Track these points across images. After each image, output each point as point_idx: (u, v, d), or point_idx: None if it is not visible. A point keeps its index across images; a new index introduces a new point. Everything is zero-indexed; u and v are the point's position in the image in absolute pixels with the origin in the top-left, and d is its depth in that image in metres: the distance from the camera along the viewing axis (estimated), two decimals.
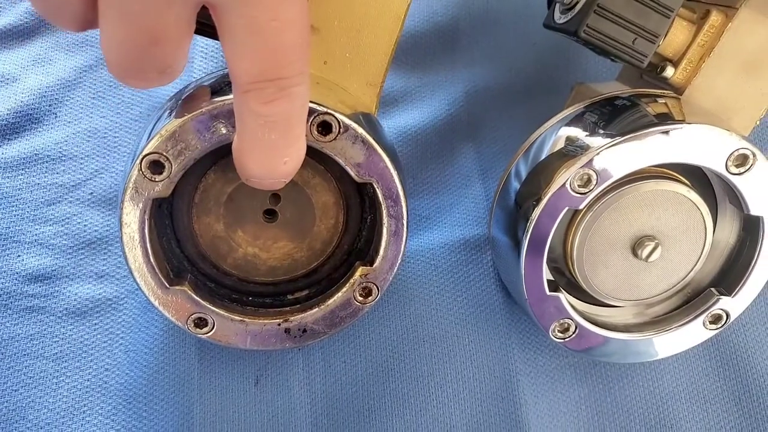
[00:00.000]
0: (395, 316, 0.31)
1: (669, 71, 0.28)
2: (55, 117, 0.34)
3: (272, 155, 0.21)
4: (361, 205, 0.28)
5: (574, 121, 0.28)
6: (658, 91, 0.28)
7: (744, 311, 0.33)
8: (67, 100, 0.34)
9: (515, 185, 0.28)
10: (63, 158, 0.33)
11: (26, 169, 0.32)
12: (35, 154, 0.33)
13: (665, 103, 0.28)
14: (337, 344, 0.31)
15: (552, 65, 0.36)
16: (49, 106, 0.34)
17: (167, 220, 0.27)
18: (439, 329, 0.31)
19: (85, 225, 0.32)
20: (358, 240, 0.29)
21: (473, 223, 0.33)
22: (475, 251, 0.32)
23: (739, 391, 0.32)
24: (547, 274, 0.29)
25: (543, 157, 0.28)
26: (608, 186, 0.26)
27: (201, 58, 0.34)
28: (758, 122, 0.29)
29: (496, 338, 0.31)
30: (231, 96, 0.23)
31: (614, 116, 0.27)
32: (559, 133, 0.28)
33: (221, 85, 0.25)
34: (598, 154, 0.25)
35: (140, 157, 0.23)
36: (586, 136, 0.27)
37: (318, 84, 0.26)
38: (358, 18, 0.26)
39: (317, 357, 0.31)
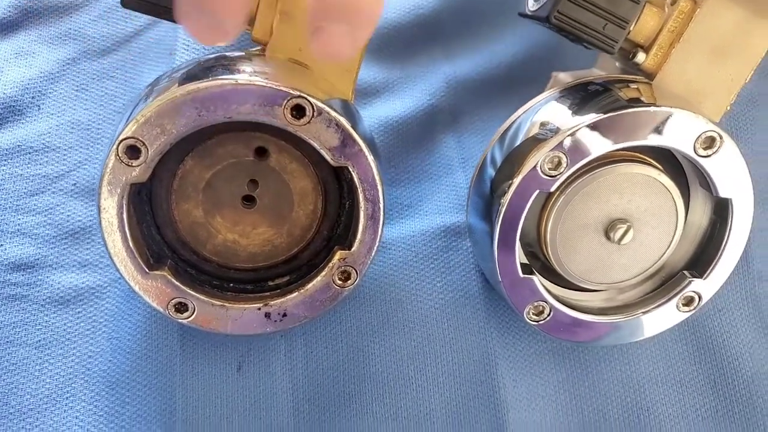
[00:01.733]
0: (376, 302, 0.32)
1: (640, 57, 0.28)
2: (39, 109, 0.34)
3: None
4: (339, 191, 0.28)
5: (548, 106, 0.29)
6: (630, 77, 0.29)
7: (719, 297, 0.33)
8: (50, 93, 0.34)
9: (490, 172, 0.29)
10: (46, 150, 0.33)
11: (9, 160, 0.33)
12: (18, 145, 0.33)
13: (637, 88, 0.28)
14: (318, 330, 0.31)
15: (531, 56, 0.37)
16: (32, 98, 0.34)
17: (147, 206, 0.27)
18: (419, 314, 0.31)
19: (68, 215, 0.32)
20: (338, 226, 0.29)
21: (454, 210, 0.34)
22: (455, 238, 0.33)
23: (714, 374, 0.33)
24: (522, 258, 0.29)
25: (518, 143, 0.28)
26: (580, 169, 0.27)
27: (183, 50, 0.34)
28: (729, 107, 0.29)
29: (475, 323, 0.31)
30: (204, 82, 0.24)
31: (586, 101, 0.28)
32: (533, 119, 0.29)
33: (196, 72, 0.25)
34: (567, 136, 0.25)
35: (117, 142, 0.24)
36: (558, 119, 0.27)
37: (293, 69, 0.26)
38: None
39: (299, 343, 0.31)
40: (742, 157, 0.27)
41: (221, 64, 0.26)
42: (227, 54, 0.28)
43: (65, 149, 0.33)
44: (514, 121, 0.29)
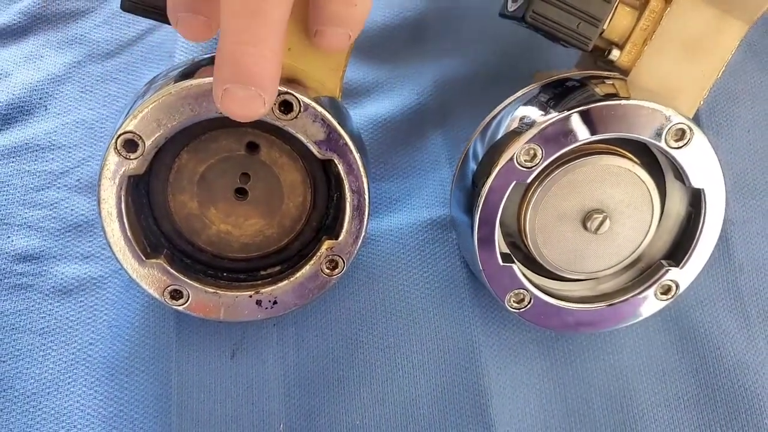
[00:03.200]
0: (364, 292, 0.33)
1: (615, 54, 0.29)
2: (45, 109, 0.36)
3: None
4: (327, 183, 0.30)
5: (528, 101, 0.30)
6: (606, 73, 0.30)
7: (701, 288, 0.34)
8: (56, 94, 0.36)
9: (472, 165, 0.30)
10: (52, 147, 0.35)
11: (17, 157, 0.34)
12: (26, 143, 0.35)
13: (612, 84, 0.29)
14: (309, 319, 0.33)
15: (516, 55, 0.38)
16: (40, 99, 0.36)
17: (145, 198, 0.29)
18: (406, 303, 0.33)
19: (72, 209, 0.34)
20: (326, 217, 0.30)
21: (440, 204, 0.35)
22: (441, 230, 0.34)
23: (696, 363, 0.33)
24: (503, 248, 0.30)
25: (498, 137, 0.30)
26: (556, 161, 0.28)
27: (182, 53, 0.36)
28: (702, 103, 0.30)
29: (460, 312, 0.33)
30: (196, 79, 0.25)
31: (563, 95, 0.29)
32: (513, 114, 0.30)
33: (190, 71, 0.27)
34: (542, 129, 0.27)
35: (115, 136, 0.25)
36: (536, 114, 0.28)
37: (282, 68, 0.27)
38: None
39: (290, 331, 0.32)
40: (712, 148, 0.28)
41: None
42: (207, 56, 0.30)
43: (70, 147, 0.35)
44: (494, 116, 0.31)
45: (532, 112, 0.29)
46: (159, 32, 0.38)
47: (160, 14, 0.27)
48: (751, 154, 0.37)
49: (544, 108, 0.29)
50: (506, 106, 0.31)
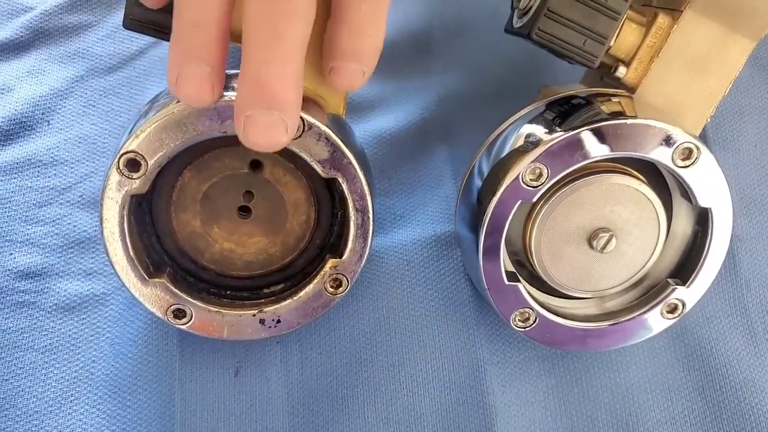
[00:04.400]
0: (369, 309, 0.33)
1: (621, 71, 0.29)
2: (48, 124, 0.36)
3: (365, 28, 0.24)
4: (331, 201, 0.30)
5: (534, 119, 0.30)
6: (612, 91, 0.30)
7: (708, 305, 0.34)
8: (59, 109, 0.36)
9: (477, 182, 0.30)
10: (54, 163, 0.35)
11: (19, 173, 0.34)
12: (28, 159, 0.35)
13: (619, 102, 0.29)
14: (313, 337, 0.32)
15: (521, 70, 0.38)
16: (42, 114, 0.36)
17: (147, 217, 0.29)
18: (410, 321, 0.32)
19: (74, 226, 0.34)
20: (330, 235, 0.30)
21: (445, 220, 0.35)
22: (446, 247, 0.34)
23: (702, 381, 0.33)
24: (508, 266, 0.30)
25: (503, 154, 0.29)
26: (562, 180, 0.28)
27: None
28: (708, 120, 0.30)
29: (465, 330, 0.32)
30: None
31: (569, 113, 0.29)
32: (519, 131, 0.30)
33: None
34: (548, 148, 0.26)
35: (118, 156, 0.25)
36: (542, 132, 0.28)
37: None
38: (319, 21, 0.27)
39: (294, 349, 0.32)
40: (720, 167, 0.28)
41: None
42: (229, 72, 0.29)
43: (72, 162, 0.35)
44: (500, 133, 0.30)
45: (538, 130, 0.29)
46: (161, 46, 0.37)
47: (163, 32, 0.27)
48: (758, 170, 0.37)
49: (550, 126, 0.29)
50: (512, 123, 0.30)
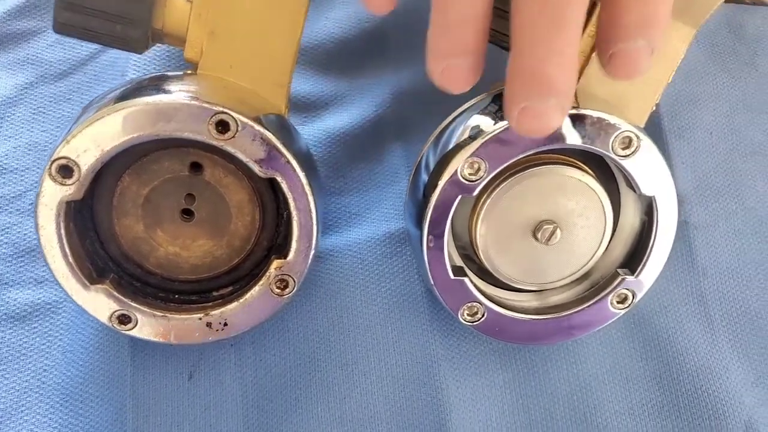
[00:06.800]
0: (322, 309, 0.32)
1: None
2: None
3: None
4: (275, 201, 0.29)
5: (482, 111, 0.30)
6: None
7: (665, 293, 0.34)
8: (8, 116, 0.36)
9: (424, 177, 0.30)
10: (4, 171, 0.35)
11: None
12: None
13: None
14: (267, 338, 0.32)
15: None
16: None
17: (89, 223, 0.28)
18: (364, 319, 0.32)
19: (24, 234, 0.34)
20: (277, 236, 0.30)
21: (399, 217, 0.35)
22: (400, 244, 0.34)
23: (660, 370, 0.33)
24: (457, 261, 0.30)
25: (449, 148, 0.29)
26: (504, 172, 0.28)
27: (134, 71, 0.35)
28: (654, 108, 0.30)
29: (419, 326, 0.32)
30: (130, 102, 0.25)
31: None
32: (466, 123, 0.29)
33: (128, 93, 0.26)
34: (484, 142, 0.26)
35: (50, 162, 0.25)
36: (488, 124, 0.28)
37: (221, 86, 0.27)
38: (258, 21, 0.27)
39: (248, 351, 0.32)
40: (661, 155, 0.28)
41: (153, 84, 0.27)
42: (167, 74, 0.29)
43: (22, 170, 0.35)
44: (446, 126, 0.30)
45: (483, 123, 0.29)
46: (112, 51, 0.37)
47: (95, 36, 0.26)
48: (714, 157, 0.37)
49: (494, 118, 0.28)
50: (458, 116, 0.30)
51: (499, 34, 0.28)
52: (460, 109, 0.31)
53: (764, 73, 0.38)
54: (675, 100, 0.37)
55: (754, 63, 0.38)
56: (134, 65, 0.36)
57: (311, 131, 0.36)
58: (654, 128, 0.37)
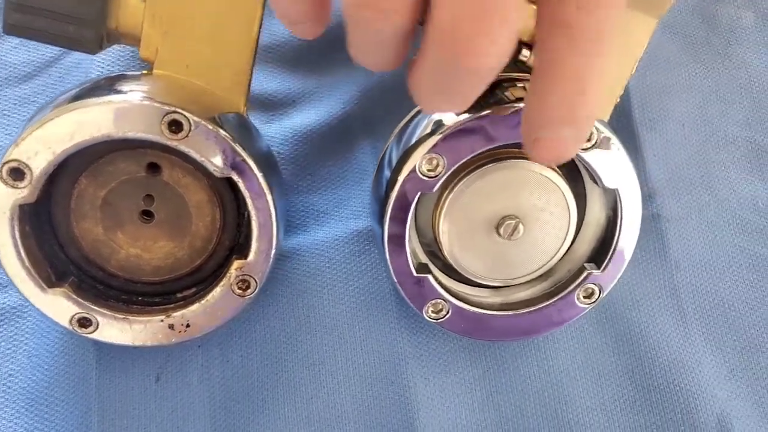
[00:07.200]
0: (289, 309, 0.32)
1: (525, 54, 0.28)
2: None
3: (578, 85, 0.19)
4: (236, 201, 0.29)
5: None
6: (518, 75, 0.29)
7: (637, 287, 0.33)
8: None
9: (387, 173, 0.29)
10: None
11: None
12: None
13: (523, 87, 0.29)
14: (234, 339, 0.32)
15: None
16: None
17: (47, 226, 0.28)
18: (331, 318, 0.32)
19: None
20: (239, 236, 0.30)
21: (367, 214, 0.34)
22: (368, 242, 0.33)
23: (632, 364, 0.33)
24: (421, 257, 0.30)
25: (412, 142, 0.29)
26: (466, 167, 0.27)
27: (97, 72, 0.35)
28: (618, 99, 0.29)
29: (386, 324, 0.32)
30: (80, 102, 0.25)
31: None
32: (430, 117, 0.29)
33: (81, 94, 0.26)
34: (442, 137, 0.26)
35: (0, 165, 0.25)
36: (447, 119, 0.28)
37: (176, 86, 0.27)
38: (213, 19, 0.27)
39: (215, 352, 0.32)
40: (623, 147, 0.27)
41: (108, 85, 0.27)
42: (126, 74, 0.29)
43: None
44: (409, 121, 0.30)
45: (446, 116, 0.28)
46: (77, 53, 0.37)
47: (47, 37, 0.26)
48: (686, 149, 0.36)
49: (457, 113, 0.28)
50: (419, 111, 0.30)
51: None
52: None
53: (737, 63, 0.38)
54: (646, 91, 0.37)
55: (727, 53, 0.38)
56: (98, 66, 0.35)
57: (278, 129, 0.36)
58: (625, 120, 0.37)
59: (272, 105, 0.37)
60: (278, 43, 0.37)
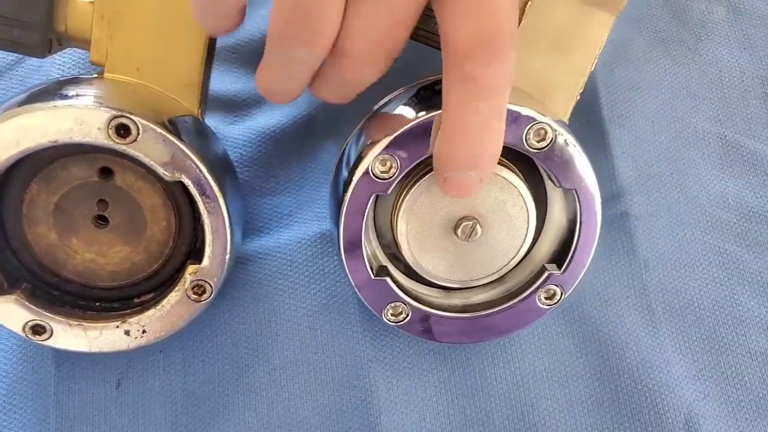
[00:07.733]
0: (250, 314, 0.32)
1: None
2: None
3: (481, 133, 0.23)
4: (191, 205, 0.29)
5: (405, 103, 0.29)
6: None
7: (606, 287, 0.33)
8: None
9: (344, 174, 0.29)
10: None
11: None
12: None
13: None
14: (195, 344, 0.32)
15: (409, 60, 0.36)
16: None
17: None
18: (293, 322, 0.32)
19: None
20: (195, 240, 0.29)
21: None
22: (331, 244, 0.33)
23: (600, 366, 0.32)
24: (382, 259, 0.29)
25: (368, 142, 0.28)
26: (422, 168, 0.27)
27: (58, 74, 0.35)
28: (578, 97, 0.29)
29: (348, 328, 0.31)
30: (23, 108, 0.24)
31: (427, 99, 0.28)
32: None
33: (29, 98, 0.26)
34: (394, 137, 0.25)
35: None
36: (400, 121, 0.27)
37: (125, 89, 0.26)
38: (162, 21, 0.26)
39: (177, 357, 0.31)
40: (580, 146, 0.27)
41: (56, 89, 0.26)
42: (79, 77, 0.29)
43: None
44: (368, 120, 0.30)
45: (405, 113, 0.28)
46: None
47: (19, 46, 0.26)
48: (656, 146, 0.36)
49: (416, 110, 0.28)
50: (382, 107, 0.30)
51: (428, 33, 0.27)
52: (383, 101, 0.30)
53: (708, 58, 0.37)
54: (615, 87, 0.36)
55: (698, 48, 0.38)
56: (59, 69, 0.35)
57: (242, 130, 0.35)
58: (593, 116, 0.36)
59: (236, 106, 0.36)
60: (242, 44, 0.37)
